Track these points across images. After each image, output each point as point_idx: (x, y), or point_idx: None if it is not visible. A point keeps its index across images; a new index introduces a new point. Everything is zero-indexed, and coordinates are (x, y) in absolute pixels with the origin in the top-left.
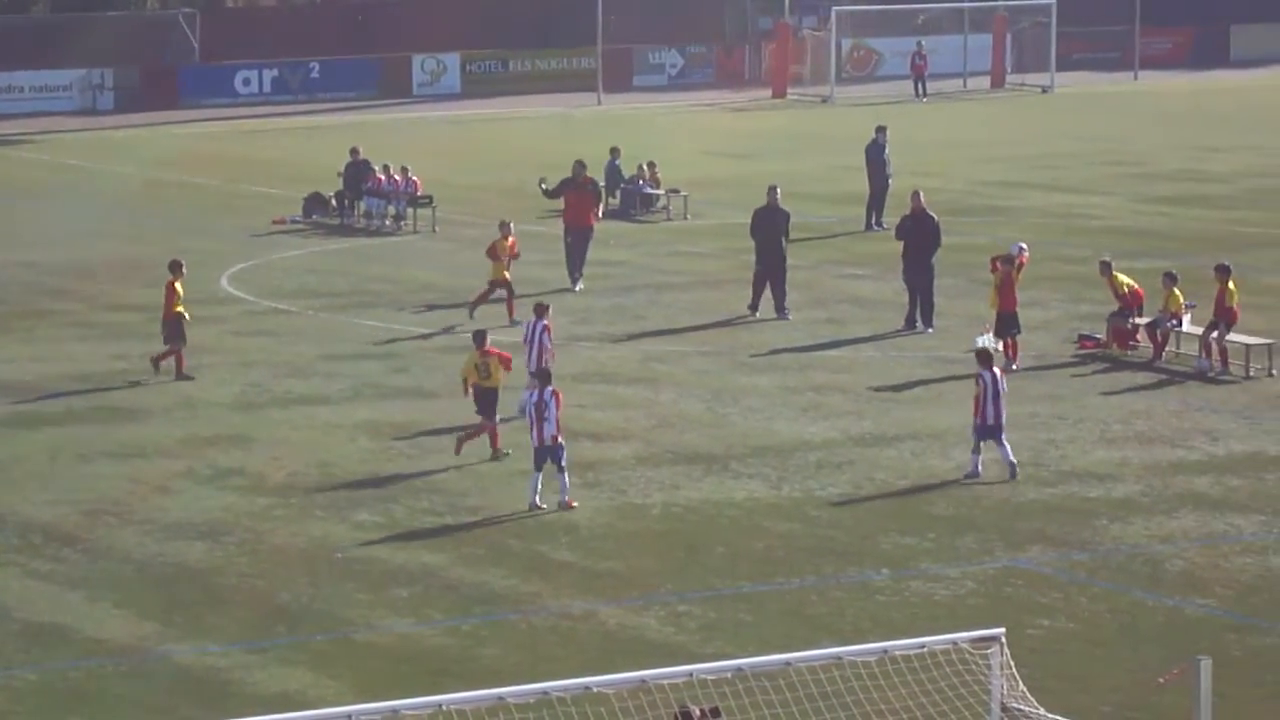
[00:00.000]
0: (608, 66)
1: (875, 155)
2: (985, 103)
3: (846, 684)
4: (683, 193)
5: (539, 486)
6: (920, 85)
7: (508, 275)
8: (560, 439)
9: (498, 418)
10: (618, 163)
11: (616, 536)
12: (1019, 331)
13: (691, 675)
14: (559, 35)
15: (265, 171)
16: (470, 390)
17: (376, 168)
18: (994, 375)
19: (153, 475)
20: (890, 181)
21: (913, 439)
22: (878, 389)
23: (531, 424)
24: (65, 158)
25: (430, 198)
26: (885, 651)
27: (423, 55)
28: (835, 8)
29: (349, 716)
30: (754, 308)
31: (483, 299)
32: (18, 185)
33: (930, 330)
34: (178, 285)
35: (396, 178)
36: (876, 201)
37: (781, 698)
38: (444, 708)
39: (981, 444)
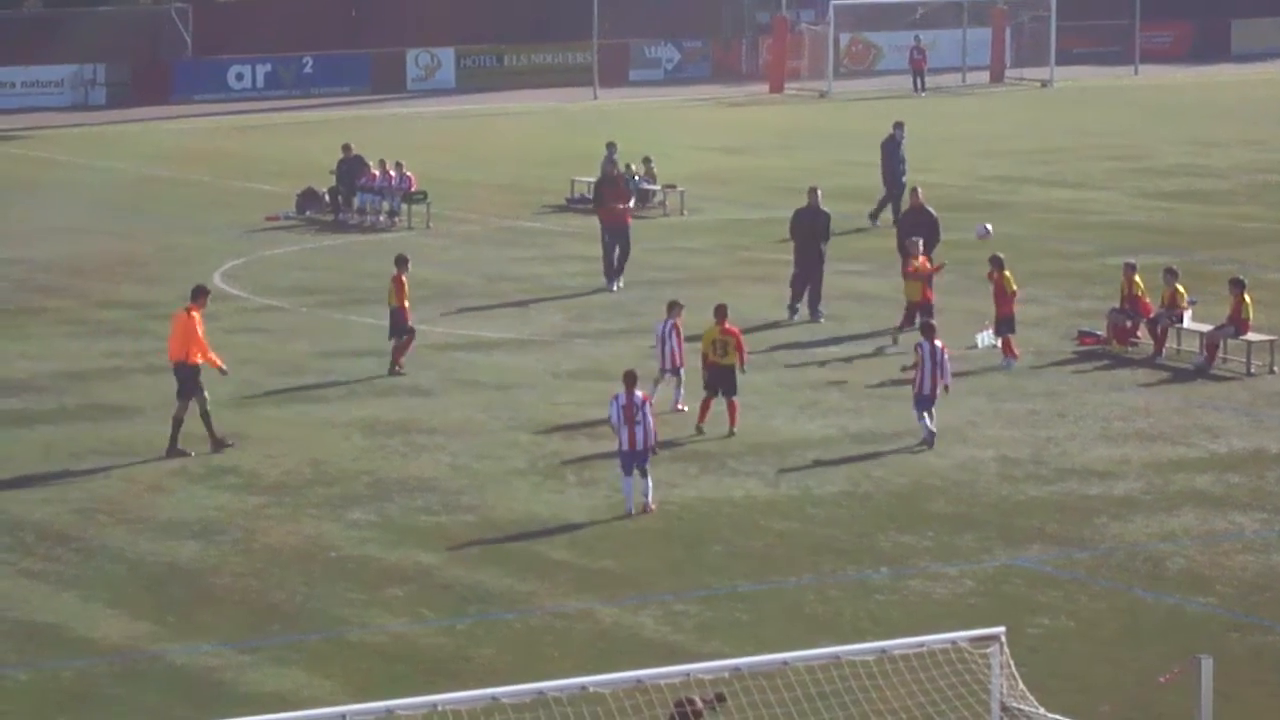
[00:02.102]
0: (604, 61)
1: (892, 150)
2: (984, 97)
3: (845, 683)
4: (679, 188)
5: (632, 491)
6: (919, 79)
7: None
8: (653, 444)
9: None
10: (615, 158)
11: (613, 535)
12: (1013, 331)
13: (688, 675)
14: (554, 30)
15: (259, 167)
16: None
17: (371, 163)
18: (932, 347)
19: (146, 474)
20: (904, 179)
21: (911, 436)
22: (876, 386)
23: (619, 428)
24: (57, 154)
25: (424, 193)
26: (884, 651)
27: (417, 50)
28: (833, 2)
29: (343, 716)
30: (793, 310)
31: None
32: (9, 181)
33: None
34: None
35: (391, 173)
36: (890, 197)
37: (779, 697)
38: (438, 708)
39: (925, 412)
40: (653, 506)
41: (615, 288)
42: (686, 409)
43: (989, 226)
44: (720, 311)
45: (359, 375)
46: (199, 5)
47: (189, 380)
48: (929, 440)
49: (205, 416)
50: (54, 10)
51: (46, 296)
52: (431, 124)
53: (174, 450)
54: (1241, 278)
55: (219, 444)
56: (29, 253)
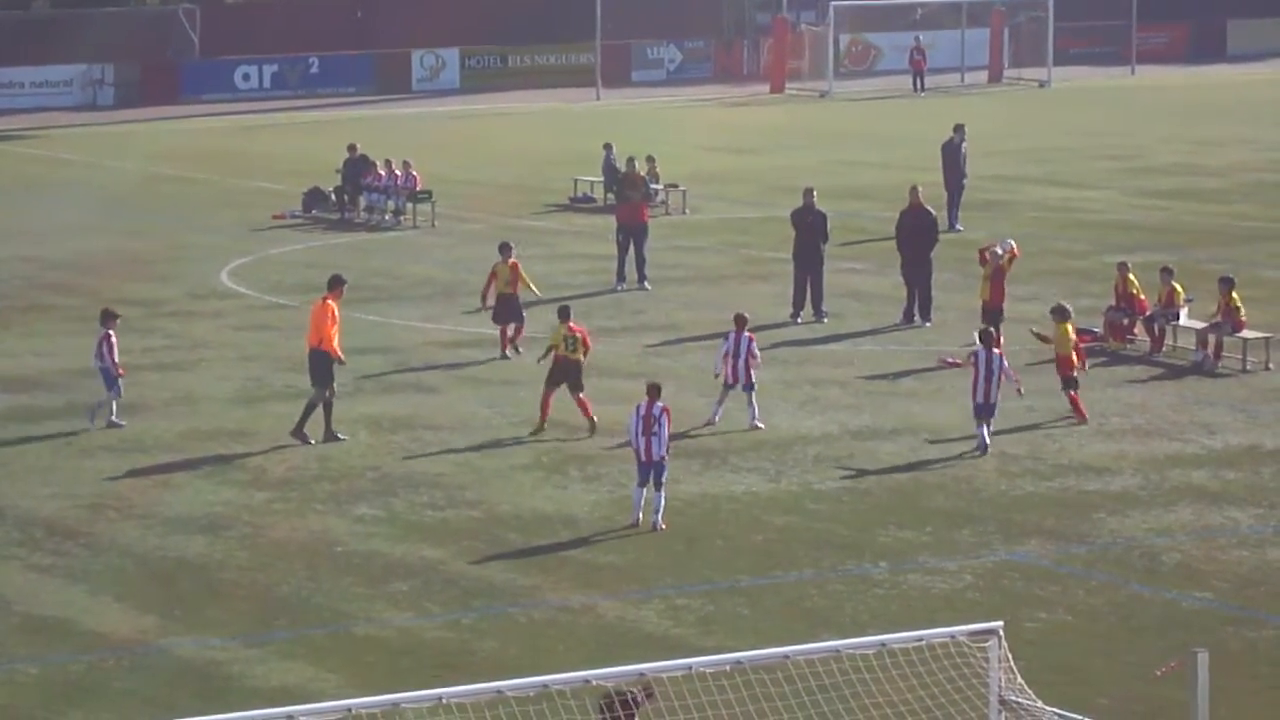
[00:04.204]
0: (606, 61)
1: (951, 154)
2: (983, 97)
3: (845, 677)
4: (681, 187)
5: (642, 502)
6: (919, 80)
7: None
8: (666, 457)
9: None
10: (613, 158)
11: (615, 530)
12: (1000, 324)
13: (691, 668)
14: (558, 30)
15: (265, 167)
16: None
17: (378, 163)
18: (989, 355)
19: (153, 469)
20: (965, 182)
21: (910, 433)
22: (876, 382)
23: (637, 439)
24: (65, 153)
25: (430, 193)
26: (883, 645)
27: (422, 51)
28: (833, 3)
29: (349, 709)
30: (796, 313)
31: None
32: (19, 180)
33: (929, 324)
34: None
35: (397, 173)
36: (953, 201)
37: (780, 690)
38: (444, 701)
39: (984, 422)
40: (663, 526)
41: (646, 287)
42: (763, 425)
43: (1012, 243)
44: (564, 312)
45: (365, 372)
46: (206, 6)
47: (322, 367)
48: (982, 449)
49: (328, 407)
50: (62, 11)
51: (56, 294)
52: (436, 124)
53: (299, 433)
54: (1230, 275)
55: (331, 435)
56: (39, 251)
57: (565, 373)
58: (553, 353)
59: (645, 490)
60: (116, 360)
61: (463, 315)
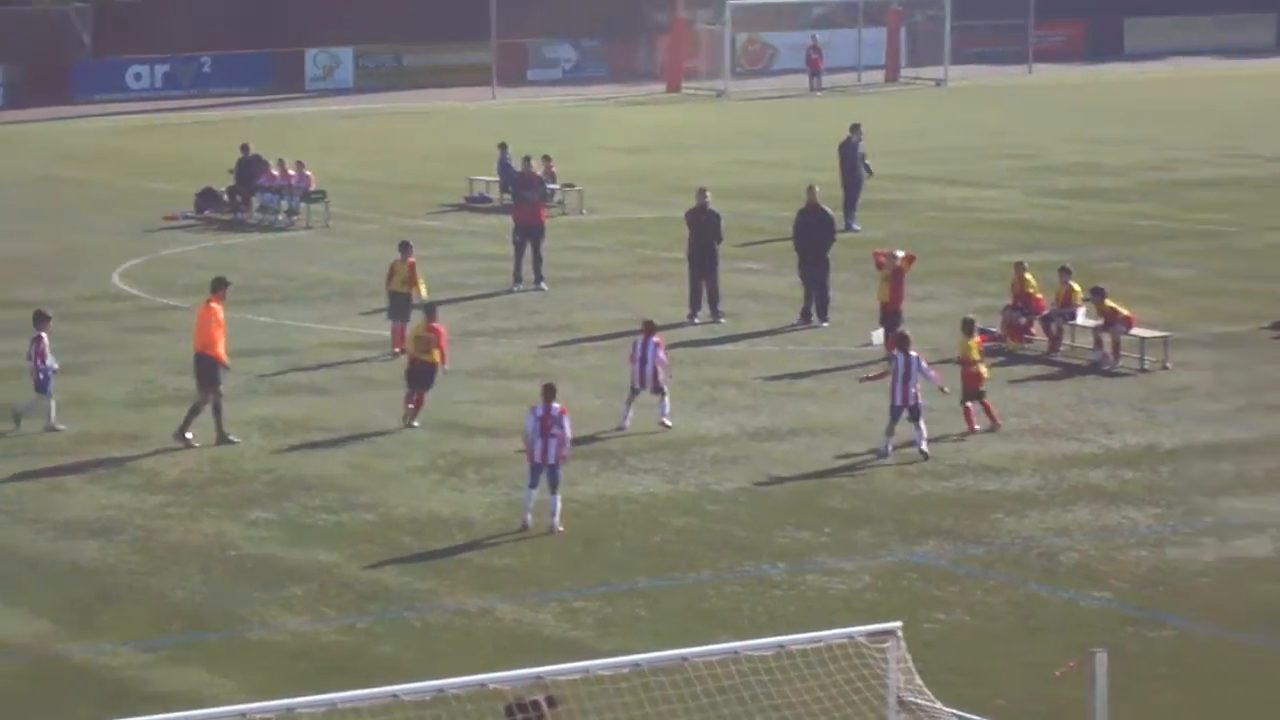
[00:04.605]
0: (501, 60)
1: (848, 154)
2: (879, 96)
3: (743, 679)
4: (578, 187)
5: (532, 504)
6: (815, 79)
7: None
8: (566, 457)
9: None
10: (509, 157)
11: (512, 533)
12: (898, 326)
13: (588, 671)
14: (452, 29)
15: (157, 167)
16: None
17: (271, 163)
18: (907, 357)
19: (45, 473)
20: (865, 181)
21: (809, 433)
22: (773, 383)
23: (534, 440)
24: None
25: (324, 193)
26: (782, 646)
27: (315, 50)
28: (730, 2)
29: (243, 715)
30: (693, 313)
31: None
32: None
33: (826, 324)
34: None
35: (290, 173)
36: (850, 201)
37: (678, 693)
38: (338, 706)
39: (914, 424)
40: (561, 528)
41: (543, 288)
42: (670, 424)
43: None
44: (429, 310)
45: (259, 373)
46: (98, 5)
47: (207, 372)
48: (921, 454)
49: (217, 410)
50: None
51: None
52: (330, 124)
53: (180, 436)
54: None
55: (224, 438)
56: None
57: (418, 374)
58: (405, 354)
59: (536, 492)
60: (44, 363)
61: (358, 316)
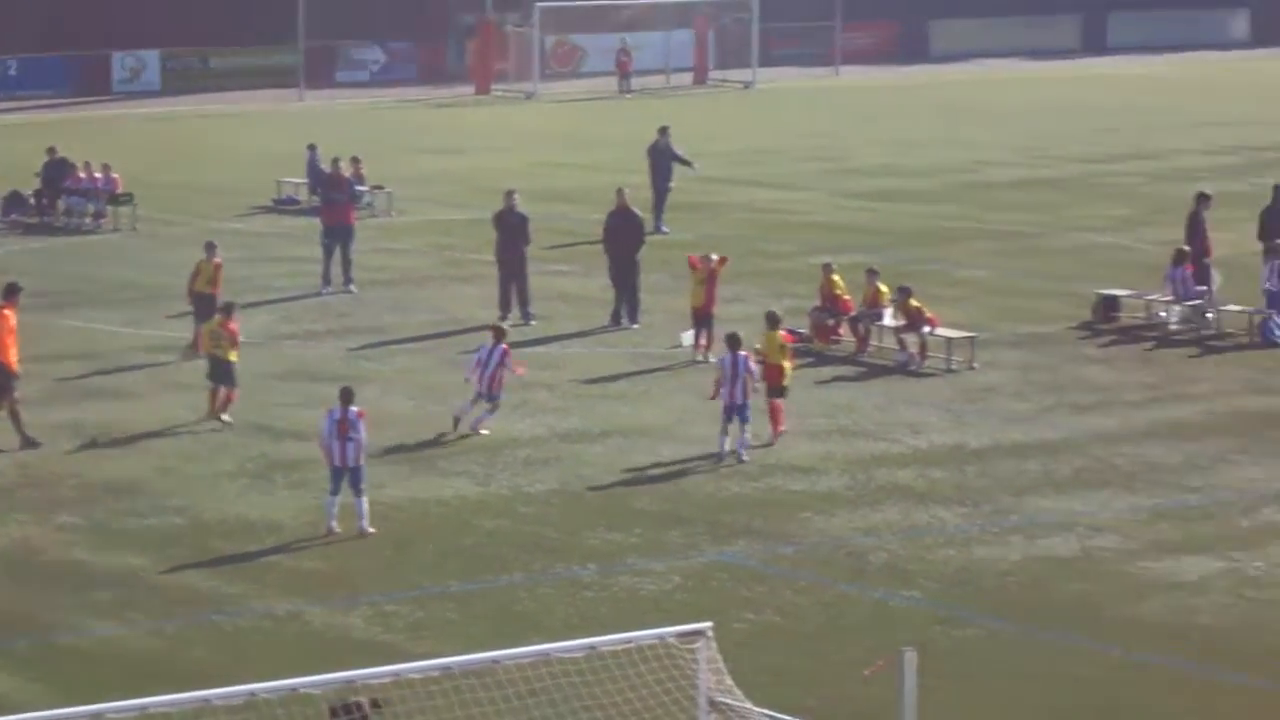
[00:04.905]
0: (309, 63)
1: (656, 157)
2: (688, 99)
3: (554, 680)
4: (387, 189)
5: (335, 510)
6: (625, 81)
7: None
8: (363, 462)
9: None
10: (318, 159)
11: (322, 536)
12: (709, 329)
13: (399, 675)
14: (260, 31)
15: None
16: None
17: (78, 165)
18: (735, 358)
19: None
20: (671, 184)
21: (620, 435)
22: (584, 385)
23: (330, 443)
24: None
25: (131, 195)
26: (593, 648)
27: (122, 53)
28: (538, 4)
29: None
30: (503, 316)
31: None
32: None
33: (636, 326)
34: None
35: (97, 175)
36: (659, 204)
37: (489, 695)
38: (149, 710)
39: (741, 423)
40: (371, 530)
41: (352, 290)
42: (487, 433)
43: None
44: (226, 308)
45: (64, 377)
46: None
47: (1, 380)
48: (739, 456)
49: (15, 415)
50: None
51: None
52: (137, 126)
53: None
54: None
55: (28, 442)
56: None
57: (215, 370)
58: (201, 349)
59: (340, 497)
60: None
61: (166, 319)
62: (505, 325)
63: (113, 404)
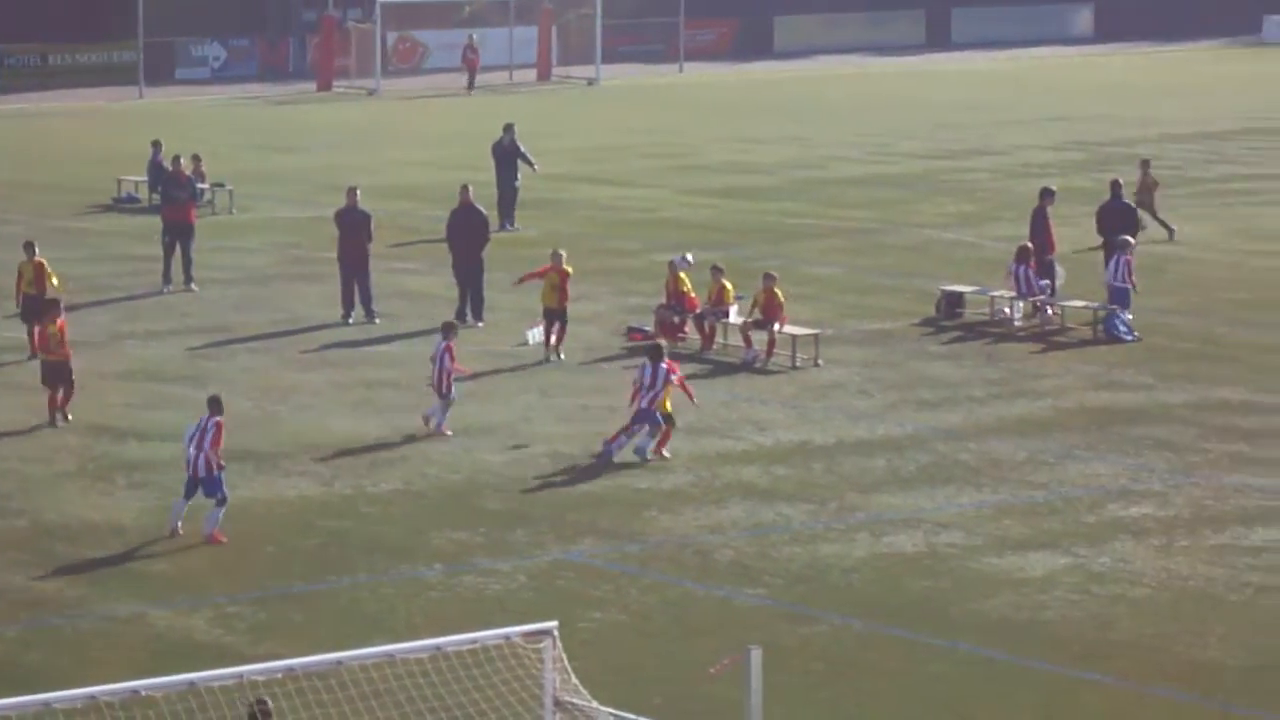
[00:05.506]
0: (149, 60)
1: (501, 154)
2: (532, 96)
3: (399, 681)
4: (228, 186)
5: (182, 513)
6: (471, 78)
7: None
8: (217, 473)
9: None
10: (160, 156)
11: (164, 538)
12: (562, 325)
13: (241, 677)
14: (98, 28)
15: None
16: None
17: None
18: (655, 368)
19: None
20: (518, 182)
21: (465, 434)
22: (430, 384)
23: (188, 450)
24: None
25: None
26: (438, 648)
27: None
28: (380, 0)
29: None
30: (347, 314)
31: None
32: None
33: (481, 324)
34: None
35: None
36: (505, 202)
37: (333, 697)
38: None
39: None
40: (223, 539)
41: (193, 289)
42: (450, 434)
43: (689, 257)
44: (51, 306)
45: None
46: None
47: None
48: (640, 456)
49: None
50: None
51: None
52: None
53: None
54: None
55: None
56: None
57: (52, 371)
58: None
59: (189, 501)
60: None
61: (2, 321)
62: (455, 321)
63: None
